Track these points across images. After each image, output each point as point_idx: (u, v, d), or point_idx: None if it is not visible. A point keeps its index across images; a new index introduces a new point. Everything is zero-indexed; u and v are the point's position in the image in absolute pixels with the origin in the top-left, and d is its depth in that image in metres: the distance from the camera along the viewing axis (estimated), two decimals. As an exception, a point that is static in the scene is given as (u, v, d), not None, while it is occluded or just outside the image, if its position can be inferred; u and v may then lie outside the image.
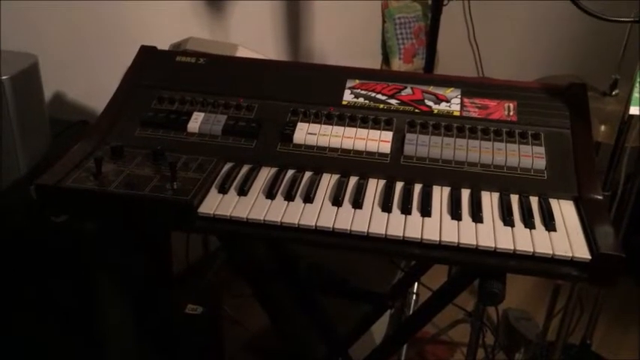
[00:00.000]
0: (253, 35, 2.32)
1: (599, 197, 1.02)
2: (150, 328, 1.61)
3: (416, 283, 1.82)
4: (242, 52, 1.44)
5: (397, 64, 3.00)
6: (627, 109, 1.16)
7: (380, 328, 1.76)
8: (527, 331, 1.97)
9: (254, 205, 1.02)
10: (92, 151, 1.10)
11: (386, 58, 3.04)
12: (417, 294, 1.84)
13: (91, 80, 1.75)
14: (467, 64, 3.06)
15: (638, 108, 1.14)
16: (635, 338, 2.22)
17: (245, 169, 1.10)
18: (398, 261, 1.69)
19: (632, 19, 1.08)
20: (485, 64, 3.02)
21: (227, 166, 1.10)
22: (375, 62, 3.06)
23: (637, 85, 1.13)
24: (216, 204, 1.01)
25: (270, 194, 1.03)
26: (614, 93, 1.51)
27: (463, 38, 3.03)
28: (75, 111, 1.74)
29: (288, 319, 1.41)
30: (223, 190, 1.04)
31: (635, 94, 1.13)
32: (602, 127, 1.49)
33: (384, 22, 2.98)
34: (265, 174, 1.09)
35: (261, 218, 0.99)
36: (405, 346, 1.74)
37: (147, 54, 1.28)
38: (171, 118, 1.16)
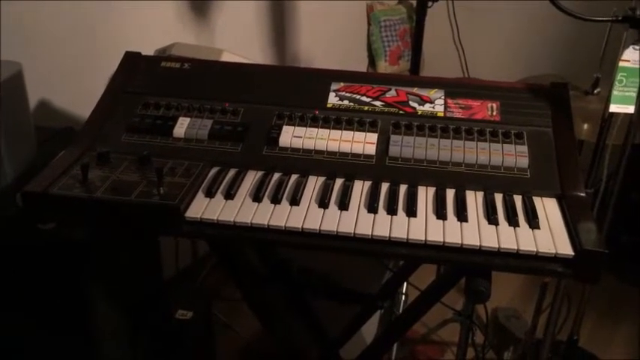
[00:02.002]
0: (239, 41, 2.33)
1: (582, 194, 1.04)
2: (140, 333, 1.61)
3: (405, 284, 1.83)
4: (227, 57, 1.45)
5: (383, 67, 3.02)
6: (607, 107, 1.18)
7: (370, 329, 1.77)
8: (517, 330, 1.99)
9: (241, 208, 1.02)
10: (78, 157, 1.10)
11: (372, 61, 3.06)
12: (406, 294, 1.85)
13: (76, 87, 1.75)
14: (452, 65, 3.09)
15: (617, 106, 1.16)
16: (623, 334, 2.25)
17: (231, 173, 1.11)
18: (386, 262, 1.70)
19: (609, 19, 1.10)
20: (470, 64, 3.06)
21: (213, 171, 1.11)
22: (361, 65, 3.08)
23: (616, 83, 1.14)
24: (203, 208, 1.02)
25: (257, 197, 1.04)
26: (595, 92, 1.53)
27: (448, 40, 3.06)
28: (60, 118, 1.73)
29: (278, 323, 1.41)
30: (210, 194, 1.04)
31: (615, 92, 1.15)
32: (585, 126, 1.51)
33: (369, 25, 3.00)
34: (252, 177, 1.10)
35: (248, 221, 1.00)
36: (395, 346, 1.75)
37: (132, 60, 1.28)
38: (157, 124, 1.16)
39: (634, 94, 1.15)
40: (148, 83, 1.25)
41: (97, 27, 1.80)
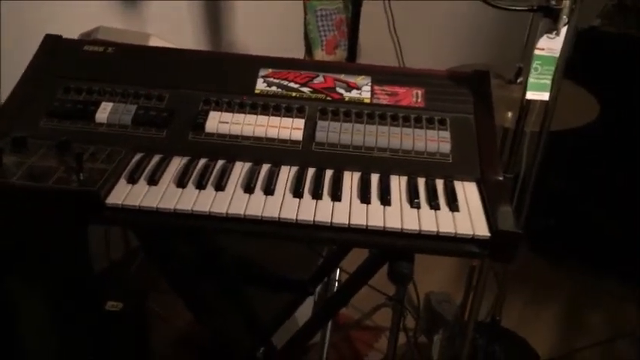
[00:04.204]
0: (171, 29, 2.28)
1: (500, 178, 1.07)
2: (69, 326, 1.57)
3: (338, 271, 1.85)
4: (154, 42, 1.42)
5: (320, 56, 3.02)
6: (524, 94, 1.22)
7: (305, 316, 1.78)
8: (448, 313, 2.04)
9: (164, 194, 1.01)
10: (-7, 143, 1.06)
11: (309, 50, 3.06)
12: (339, 280, 1.87)
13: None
14: (388, 55, 3.11)
15: (533, 93, 1.20)
16: (549, 314, 2.35)
17: (156, 158, 1.09)
18: (318, 248, 1.71)
19: (524, 8, 1.14)
20: (406, 54, 3.10)
21: (137, 157, 1.09)
22: (298, 54, 3.08)
23: (532, 70, 1.19)
24: (125, 194, 1.00)
25: (181, 183, 1.03)
26: (519, 81, 1.58)
27: (384, 30, 3.09)
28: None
29: (209, 312, 1.40)
30: (132, 180, 1.03)
31: (531, 80, 1.19)
32: (509, 114, 1.55)
33: (305, 14, 2.99)
34: (177, 163, 1.08)
35: (172, 207, 0.98)
36: (328, 332, 1.76)
37: (52, 43, 1.24)
38: (78, 109, 1.13)
39: (549, 82, 1.20)
40: (69, 67, 1.21)
41: (20, 12, 1.72)
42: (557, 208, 2.55)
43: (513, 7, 1.15)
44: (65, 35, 1.26)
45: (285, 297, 1.68)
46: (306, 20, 2.98)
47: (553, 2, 1.09)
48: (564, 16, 1.10)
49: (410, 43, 3.07)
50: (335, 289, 1.82)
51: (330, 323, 1.78)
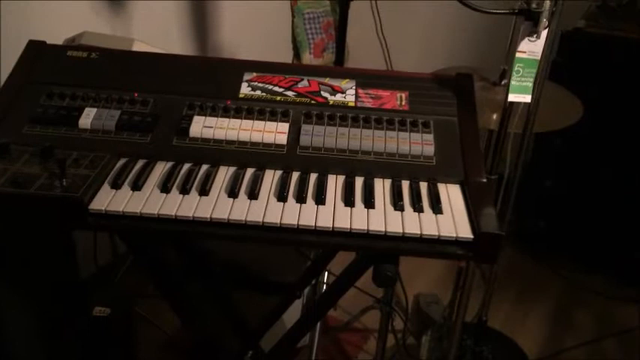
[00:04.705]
0: (158, 33, 2.28)
1: (483, 180, 1.08)
2: (56, 332, 1.56)
3: (326, 273, 1.86)
4: (138, 47, 1.42)
5: (308, 59, 3.03)
6: (507, 96, 1.23)
7: (293, 319, 1.78)
8: (436, 314, 2.05)
9: (148, 199, 1.01)
10: (-25, 150, 1.05)
11: (297, 53, 3.06)
12: (328, 283, 1.87)
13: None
14: (376, 58, 3.12)
15: (515, 95, 1.21)
16: (536, 315, 2.36)
17: (140, 164, 1.09)
18: (307, 251, 1.71)
19: (506, 12, 1.15)
20: (394, 57, 3.11)
21: (121, 162, 1.08)
22: (285, 56, 3.08)
23: (514, 73, 1.20)
24: (109, 200, 1.00)
25: (165, 188, 1.03)
26: (503, 83, 1.59)
27: (372, 32, 3.10)
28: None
29: (197, 316, 1.40)
30: (116, 185, 1.02)
31: (513, 82, 1.20)
32: (494, 116, 1.56)
33: (293, 17, 2.99)
34: (161, 168, 1.08)
35: (155, 212, 0.98)
36: (317, 335, 1.77)
37: (35, 49, 1.23)
38: (61, 114, 1.13)
39: (530, 84, 1.21)
40: (52, 73, 1.21)
41: (7, 18, 1.71)
42: (545, 208, 2.57)
43: (494, 11, 1.16)
44: (50, 39, 1.26)
45: (273, 300, 1.67)
46: (293, 23, 2.99)
47: (534, 5, 1.10)
48: (544, 20, 1.11)
49: (397, 45, 3.08)
50: (323, 291, 1.83)
51: (318, 326, 1.78)
